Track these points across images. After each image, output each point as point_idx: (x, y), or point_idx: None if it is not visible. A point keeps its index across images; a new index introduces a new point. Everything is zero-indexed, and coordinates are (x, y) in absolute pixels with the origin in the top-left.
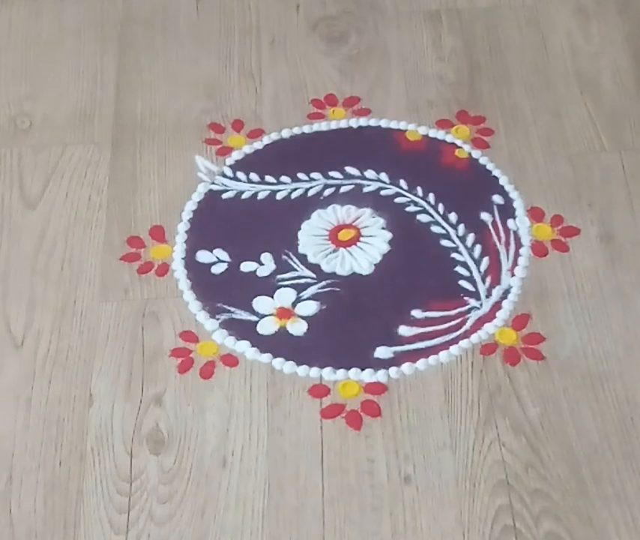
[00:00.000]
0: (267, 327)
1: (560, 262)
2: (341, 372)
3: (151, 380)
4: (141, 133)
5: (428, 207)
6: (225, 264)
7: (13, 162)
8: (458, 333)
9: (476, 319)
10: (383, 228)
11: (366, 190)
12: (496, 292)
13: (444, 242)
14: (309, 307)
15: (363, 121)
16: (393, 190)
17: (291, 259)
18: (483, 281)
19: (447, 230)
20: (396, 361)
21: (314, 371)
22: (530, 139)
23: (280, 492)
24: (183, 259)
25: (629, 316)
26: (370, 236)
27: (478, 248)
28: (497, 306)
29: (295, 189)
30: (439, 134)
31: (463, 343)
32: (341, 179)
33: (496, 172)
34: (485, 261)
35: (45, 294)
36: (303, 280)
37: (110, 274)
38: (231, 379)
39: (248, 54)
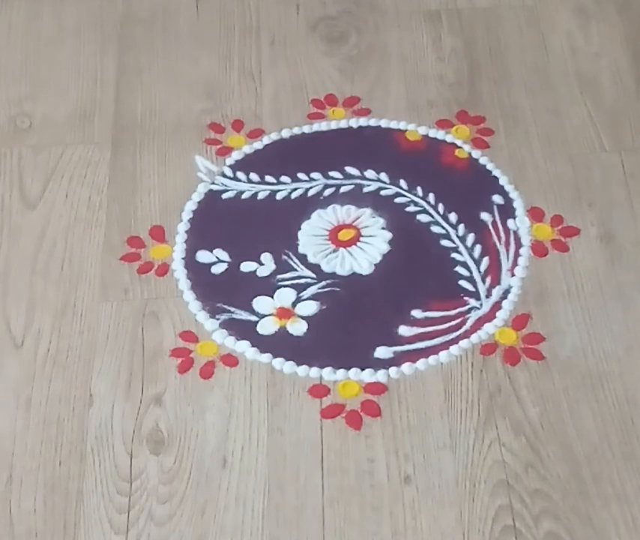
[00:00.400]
0: (267, 327)
1: (560, 262)
2: (341, 372)
3: (151, 380)
4: (141, 133)
5: (428, 207)
6: (225, 264)
7: (13, 162)
8: (458, 333)
9: (476, 319)
10: (383, 228)
11: (366, 190)
12: (496, 292)
13: (444, 242)
14: (309, 307)
15: (363, 121)
16: (393, 190)
17: (291, 259)
18: (483, 281)
19: (447, 230)
20: (396, 361)
21: (314, 371)
22: (530, 139)
23: (280, 492)
24: (183, 259)
25: (629, 316)
26: (370, 236)
27: (478, 248)
28: (497, 306)
29: (295, 189)
30: (439, 134)
31: (463, 343)
32: (341, 179)
33: (496, 172)
34: (485, 261)
35: (45, 294)
36: (303, 280)
37: (110, 274)
38: (231, 379)
39: (248, 54)
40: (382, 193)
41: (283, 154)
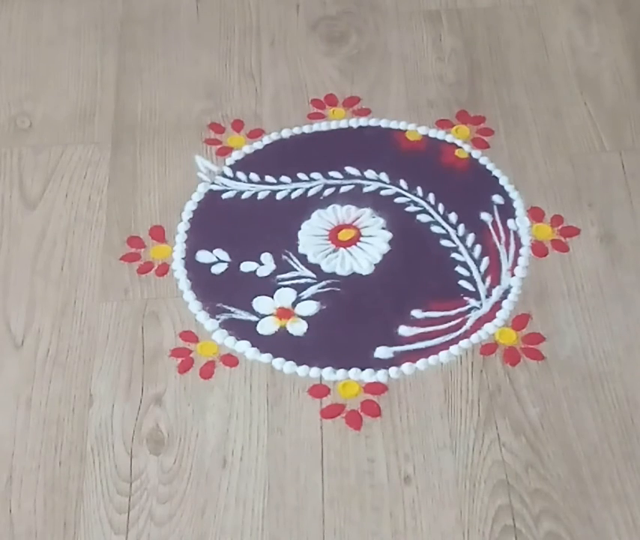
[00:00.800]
0: (267, 327)
1: (560, 262)
2: (341, 372)
3: (151, 380)
4: (141, 133)
5: (428, 207)
6: (225, 264)
7: (13, 162)
8: (458, 333)
9: (476, 319)
10: (383, 228)
11: (366, 190)
12: (496, 292)
13: (444, 242)
14: (309, 307)
15: (363, 121)
16: (393, 190)
17: (291, 259)
18: (483, 281)
19: (447, 230)
20: (396, 361)
21: (314, 371)
22: (530, 139)
23: (280, 492)
24: (183, 259)
25: (629, 316)
26: (370, 236)
27: (478, 248)
28: (497, 306)
29: (295, 189)
30: (439, 134)
31: (463, 343)
32: (341, 179)
33: (496, 172)
34: (485, 261)
35: (45, 294)
36: (303, 280)
37: (110, 274)
38: (231, 379)
39: (248, 54)
40: (382, 193)
41: (283, 154)
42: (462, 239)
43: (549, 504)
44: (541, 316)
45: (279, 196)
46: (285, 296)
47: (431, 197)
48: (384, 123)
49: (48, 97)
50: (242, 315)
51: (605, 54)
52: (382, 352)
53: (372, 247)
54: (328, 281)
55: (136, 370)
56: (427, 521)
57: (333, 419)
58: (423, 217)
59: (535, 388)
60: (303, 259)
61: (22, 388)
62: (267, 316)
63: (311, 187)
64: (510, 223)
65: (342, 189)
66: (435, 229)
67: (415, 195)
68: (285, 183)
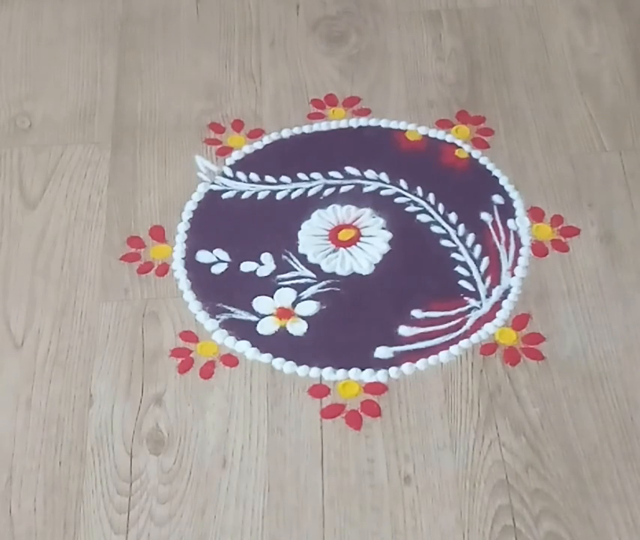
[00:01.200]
0: (267, 327)
1: (560, 262)
2: (341, 372)
3: (151, 380)
4: (141, 133)
5: (428, 207)
6: (225, 264)
7: (13, 162)
8: (458, 333)
9: (476, 319)
10: (383, 228)
11: (366, 190)
12: (496, 292)
13: (444, 242)
14: (309, 307)
15: (363, 121)
16: (393, 190)
17: (291, 259)
18: (483, 281)
19: (447, 230)
20: (396, 361)
21: (314, 371)
22: (530, 139)
23: (280, 492)
24: (183, 259)
25: (629, 316)
26: (370, 236)
27: (478, 248)
28: (497, 306)
29: (295, 189)
30: (439, 134)
31: (463, 343)
32: (341, 179)
33: (496, 172)
34: (485, 261)
35: (45, 294)
36: (303, 280)
37: (110, 274)
38: (231, 379)
39: (248, 54)
40: (382, 193)
41: (283, 154)
42: (462, 239)
43: (549, 504)
44: (541, 316)
45: (279, 196)
46: (285, 296)
47: (431, 197)
48: (384, 123)
49: (48, 97)
50: (242, 315)
51: (605, 54)
52: (382, 352)
53: (372, 247)
54: (328, 281)
55: (136, 370)
56: (427, 521)
57: (333, 419)
58: (423, 217)
59: (535, 388)
60: (303, 259)
61: (22, 388)
62: (267, 316)
63: (311, 187)
64: (510, 223)
65: (342, 189)
66: (435, 229)
67: (415, 195)
68: (285, 183)
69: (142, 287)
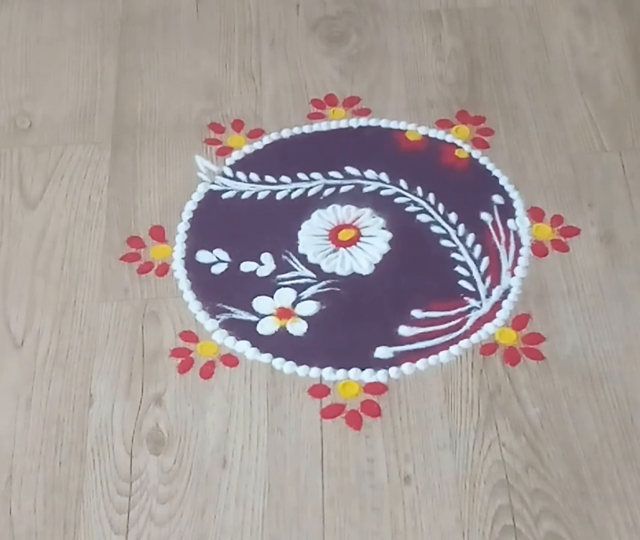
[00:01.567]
0: (267, 327)
1: (560, 262)
2: (341, 372)
3: (151, 380)
4: (141, 133)
5: (428, 207)
6: (225, 264)
7: (13, 162)
8: (458, 333)
9: (476, 319)
10: (383, 228)
11: (366, 190)
12: (496, 292)
13: (444, 242)
14: (309, 307)
15: (363, 121)
16: (393, 190)
17: (291, 259)
18: (483, 281)
19: (447, 230)
20: (396, 361)
21: (314, 371)
22: (531, 139)
23: (280, 492)
24: (183, 259)
25: (629, 316)
26: (370, 236)
27: (478, 248)
28: (497, 306)
29: (295, 189)
30: (439, 134)
31: (463, 343)
32: (341, 179)
33: (496, 172)
34: (485, 261)
35: (45, 294)
36: (303, 280)
37: (110, 274)
38: (231, 379)
39: (248, 54)
40: (382, 193)
41: (283, 154)
42: (462, 239)
43: (549, 504)
44: (541, 316)
45: (279, 196)
46: (285, 296)
47: (431, 197)
48: (384, 123)
49: (48, 97)
50: (242, 315)
51: (605, 54)
52: (382, 352)
53: (372, 247)
54: (328, 281)
55: (136, 370)
56: (427, 521)
57: (333, 419)
58: (423, 217)
59: (535, 388)
60: (303, 259)
61: (22, 388)
62: (267, 316)
63: (311, 187)
64: (510, 223)
65: (342, 189)
66: (435, 229)
67: (415, 195)
68: (285, 183)
69: (142, 287)
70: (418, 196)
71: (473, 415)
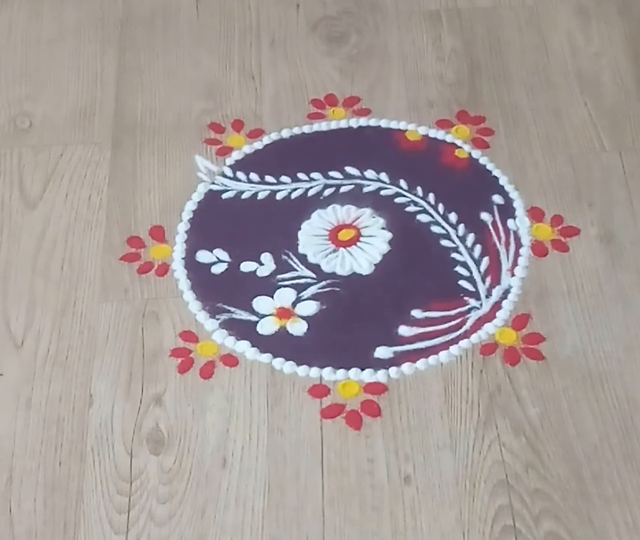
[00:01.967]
0: (267, 327)
1: (560, 262)
2: (341, 372)
3: (151, 380)
4: (141, 133)
5: (428, 207)
6: (225, 264)
7: (13, 162)
8: (458, 333)
9: (476, 319)
10: (383, 228)
11: (366, 190)
12: (496, 292)
13: (444, 242)
14: (309, 307)
15: (363, 121)
16: (393, 190)
17: (291, 259)
18: (483, 281)
19: (447, 230)
20: (396, 361)
21: (314, 371)
22: (531, 139)
23: (280, 492)
24: (183, 259)
25: (629, 316)
26: (370, 236)
27: (478, 248)
28: (497, 306)
29: (295, 189)
30: (439, 134)
31: (463, 343)
32: (341, 179)
33: (496, 172)
34: (485, 261)
35: (45, 294)
36: (303, 280)
37: (110, 274)
38: (231, 379)
39: (248, 54)
40: (382, 193)
41: (283, 154)
42: (462, 239)
43: (549, 504)
44: (541, 316)
45: (279, 196)
46: (285, 296)
47: (431, 197)
48: (384, 123)
49: (48, 97)
50: (242, 315)
51: (605, 54)
52: (382, 352)
53: (372, 247)
54: (328, 281)
55: (136, 370)
56: (427, 521)
57: (333, 419)
58: (423, 217)
59: (535, 388)
60: (303, 259)
61: (22, 388)
62: (267, 316)
63: (311, 187)
64: (510, 223)
65: (342, 189)
66: (435, 229)
67: (415, 195)
68: (285, 183)
69: (142, 287)
70: (418, 196)
71: (473, 415)
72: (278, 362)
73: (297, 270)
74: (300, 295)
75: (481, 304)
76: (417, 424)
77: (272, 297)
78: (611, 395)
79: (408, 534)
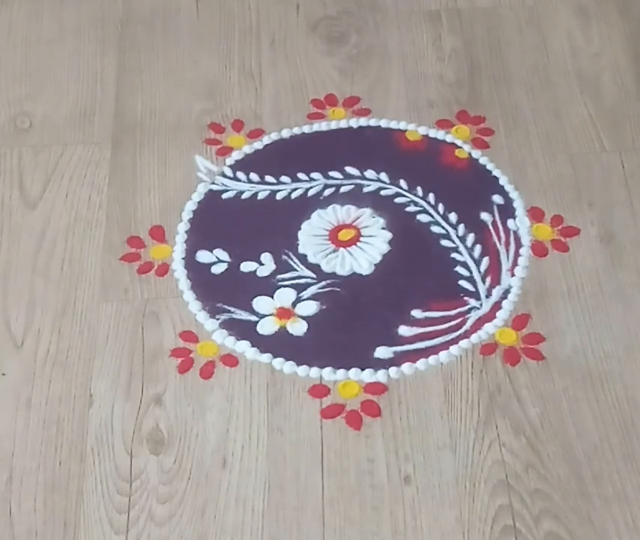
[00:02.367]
0: (267, 327)
1: (560, 262)
2: (341, 372)
3: (151, 380)
4: (141, 133)
5: (428, 207)
6: (225, 264)
7: (13, 162)
8: (458, 333)
9: (476, 319)
10: (383, 228)
11: (366, 190)
12: (496, 292)
13: (444, 242)
14: (309, 307)
15: (363, 121)
16: (393, 190)
17: (291, 259)
18: (483, 281)
19: (447, 230)
20: (396, 361)
21: (314, 371)
22: (531, 139)
23: (280, 492)
24: (183, 259)
25: (629, 316)
26: (370, 236)
27: (478, 248)
28: (497, 306)
29: (295, 189)
30: (439, 134)
31: (463, 343)
32: (341, 179)
33: (496, 172)
34: (485, 261)
35: (45, 294)
36: (303, 280)
37: (110, 274)
38: (231, 379)
39: (248, 54)
40: (382, 193)
41: (283, 154)
42: (462, 239)
43: (549, 504)
44: (541, 316)
45: (279, 196)
46: (285, 296)
47: (431, 197)
48: (384, 123)
49: (48, 97)
50: (242, 315)
51: (605, 54)
52: (382, 352)
53: (372, 247)
54: (328, 281)
55: (136, 370)
56: (427, 521)
57: (333, 419)
58: (423, 217)
59: (535, 388)
60: (303, 259)
61: (22, 388)
62: (267, 316)
63: (311, 187)
64: (510, 223)
65: (342, 189)
66: (435, 229)
67: (415, 195)
68: (285, 183)
69: (142, 287)
70: (418, 196)
71: (473, 415)
72: (278, 362)
73: (297, 270)
74: (300, 295)
75: (481, 304)
76: (417, 424)
77: (272, 297)
78: (611, 395)
79: (408, 534)
